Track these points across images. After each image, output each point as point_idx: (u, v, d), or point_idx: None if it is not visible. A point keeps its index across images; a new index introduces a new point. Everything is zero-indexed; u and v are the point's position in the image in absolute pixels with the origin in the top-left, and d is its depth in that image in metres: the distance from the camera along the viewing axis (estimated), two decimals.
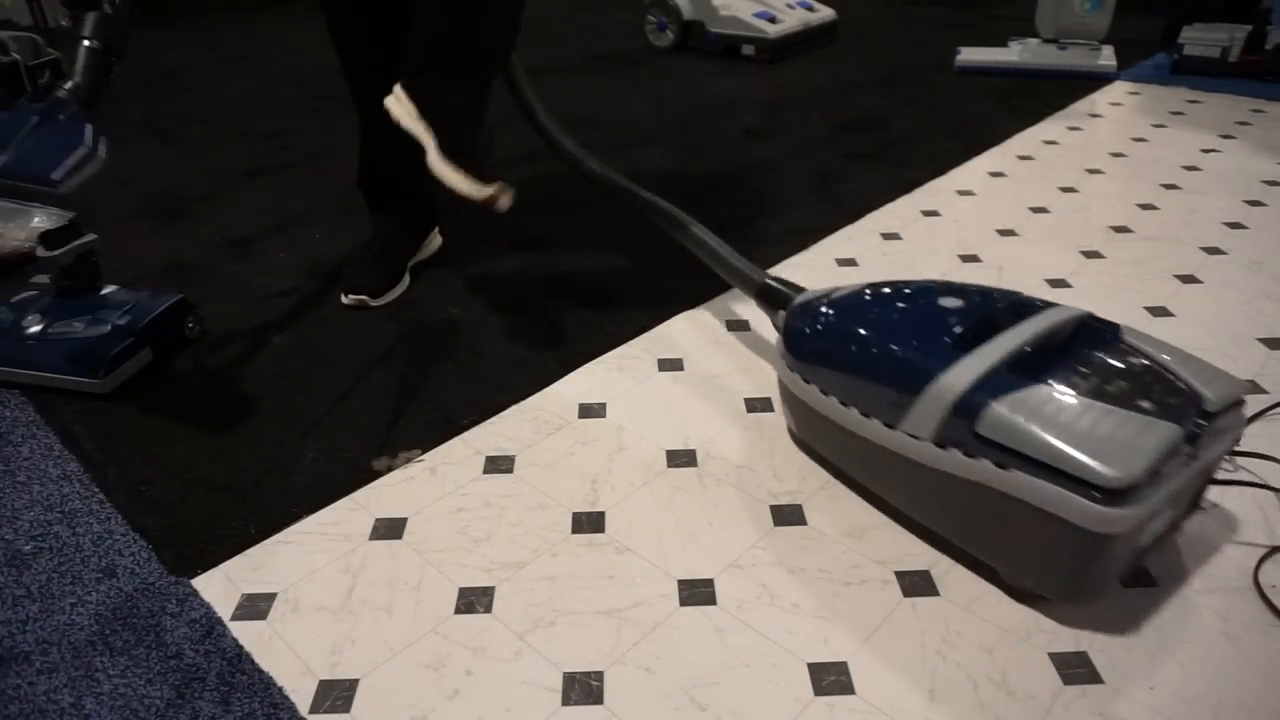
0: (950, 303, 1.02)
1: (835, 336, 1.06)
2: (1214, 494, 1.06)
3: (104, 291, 1.48)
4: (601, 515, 1.09)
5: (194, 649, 0.93)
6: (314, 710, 0.86)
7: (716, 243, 1.38)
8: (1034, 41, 2.81)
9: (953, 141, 2.26)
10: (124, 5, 1.35)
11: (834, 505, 1.09)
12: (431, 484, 1.16)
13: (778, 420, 1.25)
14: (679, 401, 1.30)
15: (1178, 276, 1.57)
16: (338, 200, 2.08)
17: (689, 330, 1.48)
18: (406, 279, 1.66)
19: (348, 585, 1.00)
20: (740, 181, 2.08)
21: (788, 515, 1.07)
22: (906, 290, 1.09)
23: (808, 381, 1.08)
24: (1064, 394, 0.87)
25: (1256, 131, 2.25)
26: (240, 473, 1.19)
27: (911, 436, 0.95)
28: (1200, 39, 2.65)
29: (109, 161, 1.34)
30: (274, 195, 2.13)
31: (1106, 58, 2.71)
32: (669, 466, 1.17)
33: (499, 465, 1.18)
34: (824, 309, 1.10)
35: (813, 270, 1.66)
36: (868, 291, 1.11)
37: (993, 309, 1.01)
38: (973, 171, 2.08)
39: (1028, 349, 0.93)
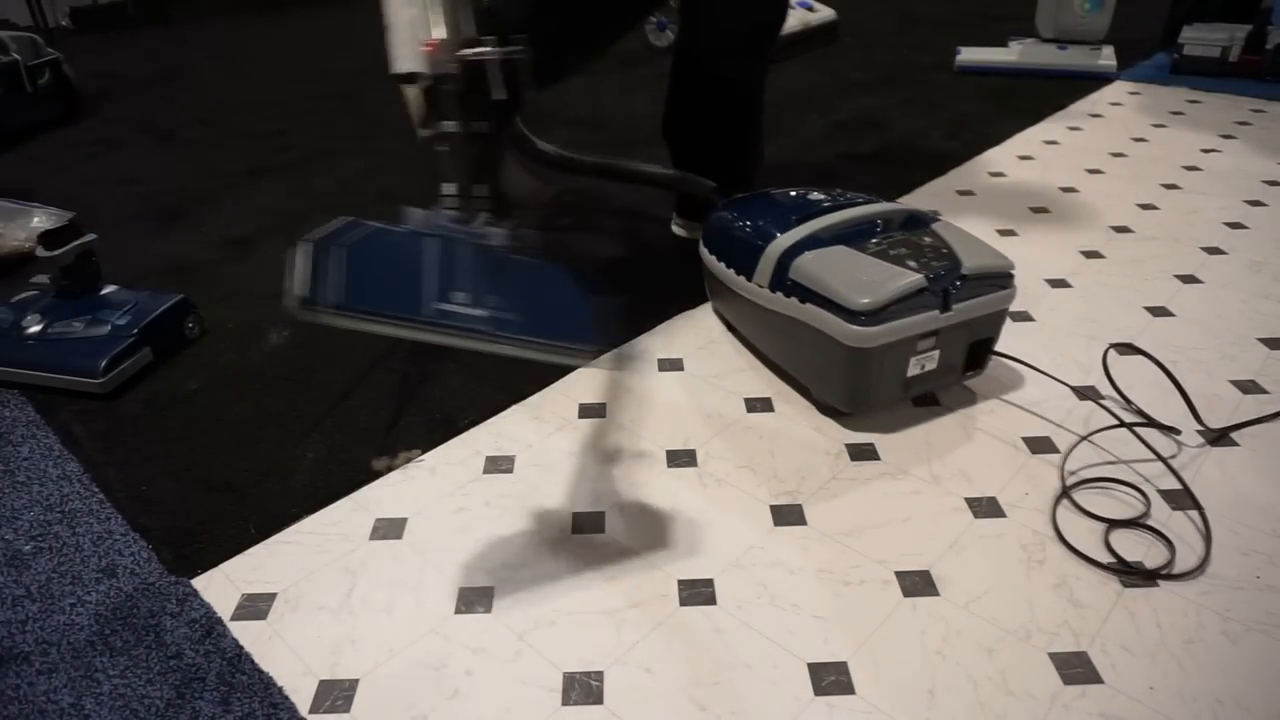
0: (814, 195, 1.36)
1: (734, 219, 1.39)
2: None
3: (104, 291, 1.48)
4: (602, 515, 1.09)
5: (194, 649, 0.93)
6: (314, 710, 0.86)
7: (664, 168, 1.65)
8: (1034, 41, 2.81)
9: (953, 141, 2.26)
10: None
11: (834, 505, 1.09)
12: (431, 484, 1.16)
13: (778, 420, 1.25)
14: (679, 401, 1.30)
15: (1178, 276, 1.57)
16: (338, 200, 2.08)
17: (689, 330, 1.48)
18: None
19: (348, 585, 1.00)
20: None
21: (788, 515, 1.07)
22: (792, 191, 1.42)
23: (711, 253, 1.41)
24: (853, 253, 1.18)
25: (1256, 131, 2.25)
26: (240, 473, 1.19)
27: (759, 285, 1.26)
28: (1200, 39, 2.65)
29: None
30: (274, 195, 2.13)
31: (1106, 58, 2.71)
32: (669, 466, 1.17)
33: (499, 465, 1.18)
34: (729, 206, 1.44)
35: None
36: (762, 193, 1.45)
37: (841, 201, 1.32)
38: (973, 171, 2.08)
39: (845, 226, 1.25)
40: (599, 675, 0.88)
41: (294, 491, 1.15)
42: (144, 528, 1.10)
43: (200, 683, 0.89)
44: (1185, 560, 0.98)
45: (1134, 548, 1.00)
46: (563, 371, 1.38)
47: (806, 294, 1.17)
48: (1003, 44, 2.91)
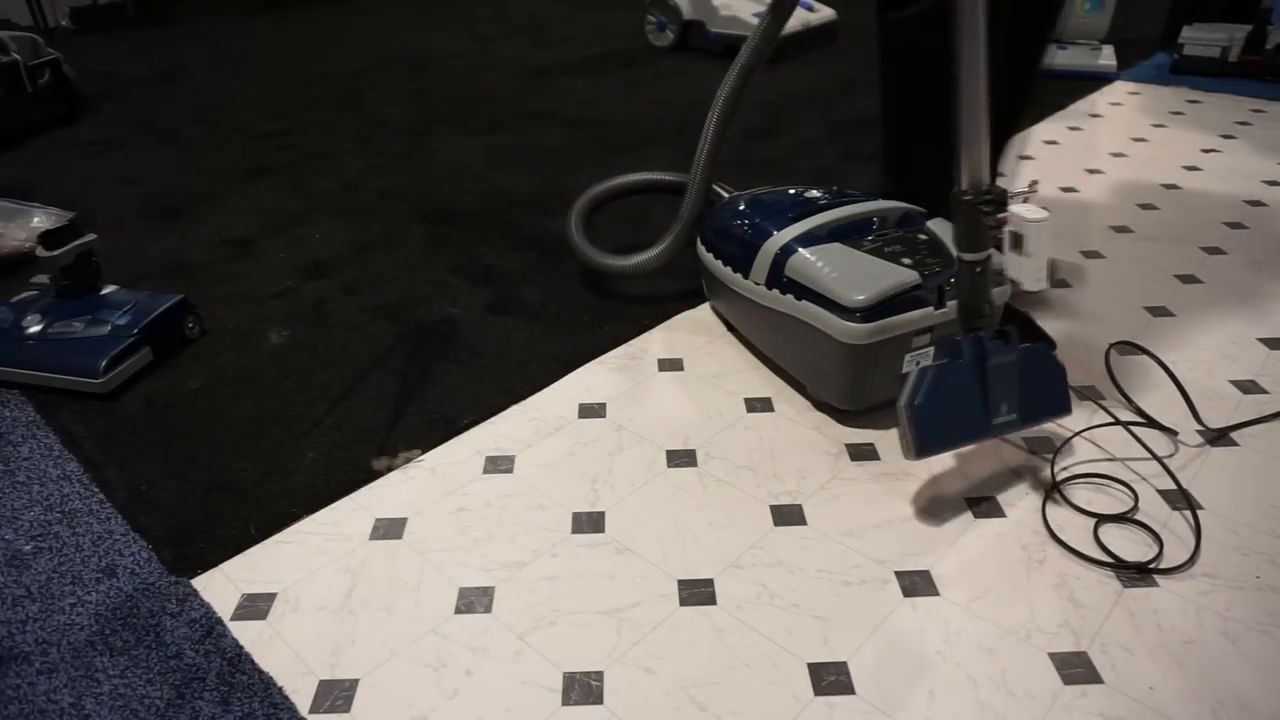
0: (810, 193, 1.38)
1: (730, 219, 1.39)
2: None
3: (104, 291, 1.48)
4: (601, 515, 1.09)
5: (194, 649, 0.93)
6: (314, 710, 0.86)
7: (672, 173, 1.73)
8: None
9: None
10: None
11: (834, 505, 1.09)
12: (431, 484, 1.16)
13: (778, 420, 1.25)
14: (679, 401, 1.30)
15: (1178, 276, 1.57)
16: (338, 200, 2.08)
17: (689, 330, 1.48)
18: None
19: (348, 585, 1.00)
20: (740, 182, 2.08)
21: (788, 515, 1.07)
22: (784, 189, 1.44)
23: (708, 251, 1.42)
24: (849, 250, 1.19)
25: (1256, 131, 2.25)
26: (240, 473, 1.19)
27: (755, 283, 1.27)
28: (1200, 39, 2.65)
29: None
30: (274, 195, 2.13)
31: (1106, 58, 2.71)
32: (669, 466, 1.17)
33: (499, 465, 1.18)
34: (726, 204, 1.46)
35: None
36: (758, 191, 1.47)
37: (837, 199, 1.33)
38: None
39: (840, 224, 1.26)
40: (599, 675, 0.88)
41: (294, 491, 1.15)
42: (144, 528, 1.10)
43: (200, 683, 0.89)
44: (1175, 555, 0.98)
45: (1123, 544, 1.00)
46: (563, 371, 1.38)
47: (802, 291, 1.18)
48: None
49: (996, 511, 1.06)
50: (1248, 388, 1.26)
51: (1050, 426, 1.19)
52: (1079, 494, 1.08)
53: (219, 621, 0.96)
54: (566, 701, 0.86)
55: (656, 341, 1.46)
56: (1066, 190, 1.95)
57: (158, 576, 1.02)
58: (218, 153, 2.44)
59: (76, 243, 1.42)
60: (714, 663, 0.89)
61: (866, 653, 0.89)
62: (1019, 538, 1.02)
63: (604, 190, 1.66)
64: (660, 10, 3.24)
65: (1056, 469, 1.12)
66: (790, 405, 1.28)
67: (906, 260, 1.16)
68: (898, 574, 0.98)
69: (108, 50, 3.70)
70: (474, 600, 0.98)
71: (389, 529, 1.08)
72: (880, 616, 0.93)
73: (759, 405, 1.28)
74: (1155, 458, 1.12)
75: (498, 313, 1.56)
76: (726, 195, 1.57)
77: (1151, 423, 1.18)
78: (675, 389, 1.33)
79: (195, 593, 1.00)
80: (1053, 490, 1.08)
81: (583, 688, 0.87)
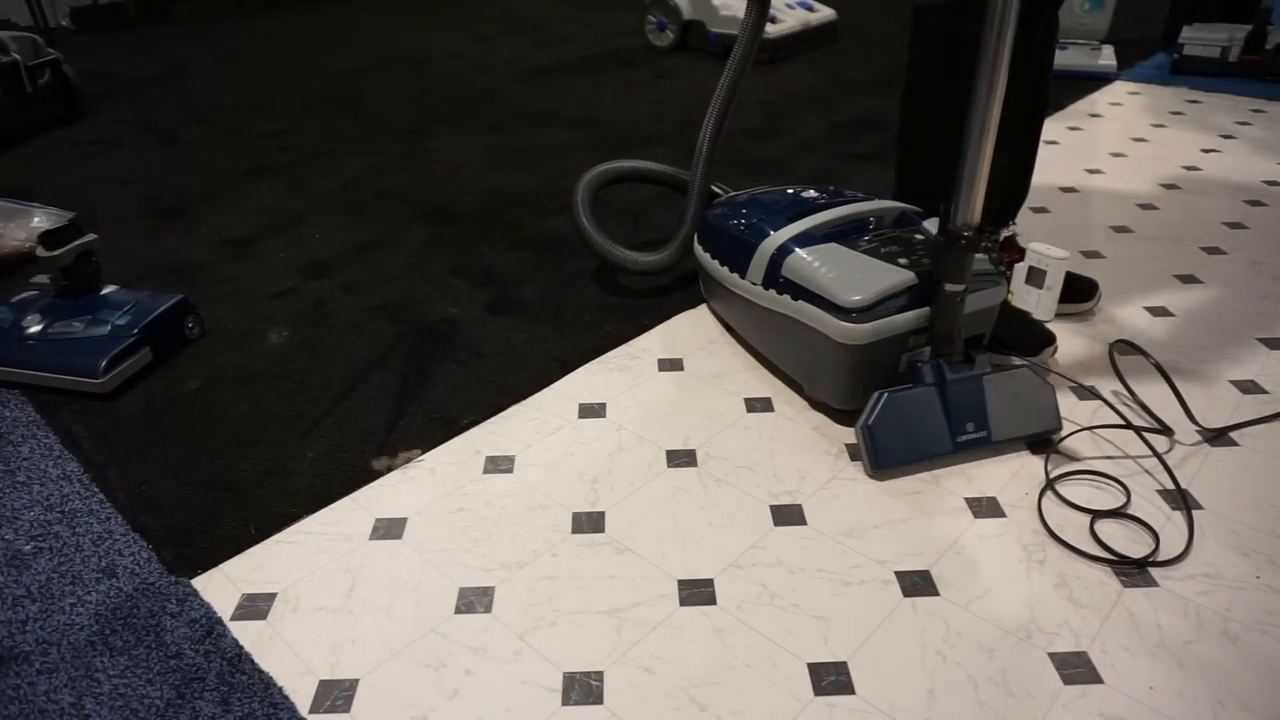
0: (807, 193, 1.38)
1: (727, 218, 1.40)
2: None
3: (104, 291, 1.48)
4: (601, 515, 1.09)
5: (194, 649, 0.93)
6: (314, 710, 0.86)
7: (673, 169, 1.69)
8: None
9: None
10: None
11: (834, 505, 1.09)
12: (431, 484, 1.16)
13: (777, 420, 1.25)
14: (679, 401, 1.30)
15: (1178, 276, 1.57)
16: (338, 200, 2.08)
17: (689, 330, 1.48)
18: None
19: (348, 585, 1.00)
20: (740, 182, 2.08)
21: (788, 515, 1.07)
22: (783, 189, 1.44)
23: (706, 252, 1.42)
24: (845, 251, 1.19)
25: (1256, 131, 2.25)
26: (240, 473, 1.19)
27: (752, 283, 1.28)
28: (1200, 39, 2.65)
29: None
30: (274, 195, 2.13)
31: (1106, 58, 2.71)
32: (669, 466, 1.17)
33: (499, 465, 1.18)
34: (724, 203, 1.46)
35: None
36: (756, 191, 1.47)
37: (834, 199, 1.33)
38: None
39: (836, 224, 1.25)
40: (599, 675, 0.88)
41: (294, 491, 1.15)
42: (144, 528, 1.10)
43: (200, 683, 0.89)
44: (1171, 549, 0.98)
45: (1120, 540, 1.00)
46: (563, 371, 1.38)
47: (799, 291, 1.18)
48: None
49: (996, 511, 1.06)
50: (1248, 388, 1.26)
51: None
52: (1078, 491, 1.08)
53: (219, 621, 0.96)
54: (566, 701, 0.86)
55: (656, 341, 1.46)
56: (1066, 190, 1.95)
57: (158, 576, 1.02)
58: (218, 153, 2.44)
59: (76, 243, 1.42)
60: (714, 663, 0.89)
61: (866, 653, 0.89)
62: (1019, 538, 1.02)
63: (605, 172, 1.63)
64: (660, 10, 3.24)
65: (1052, 467, 1.12)
66: (790, 405, 1.28)
67: (903, 260, 1.16)
68: (898, 574, 0.98)
69: (108, 50, 3.70)
70: (474, 600, 0.98)
71: (389, 529, 1.08)
72: (880, 616, 0.93)
73: (759, 405, 1.28)
74: (1156, 454, 1.12)
75: (498, 313, 1.56)
76: (724, 195, 1.57)
77: (1148, 423, 1.18)
78: (675, 389, 1.33)
79: (195, 593, 1.00)
80: (1047, 488, 1.08)
81: (583, 688, 0.87)
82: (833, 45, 3.32)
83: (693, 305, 1.55)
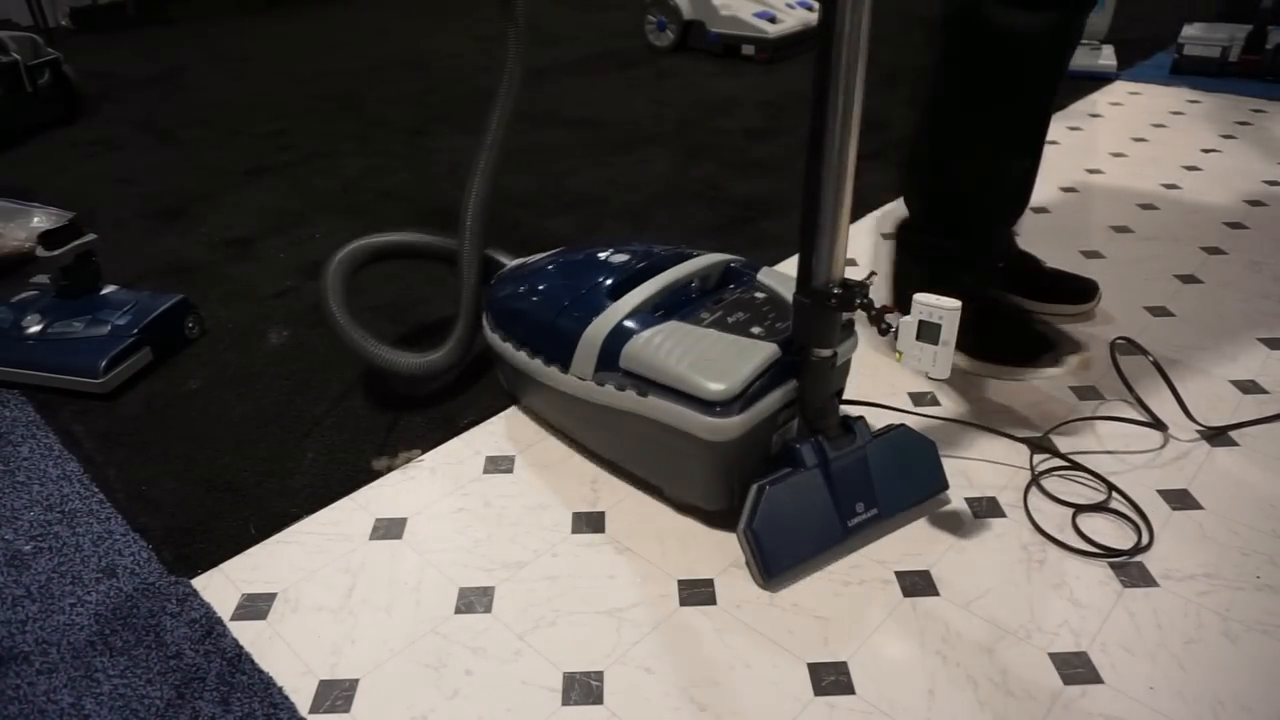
0: (613, 258, 1.17)
1: (526, 295, 1.19)
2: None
3: (104, 291, 1.48)
4: (601, 515, 1.09)
5: (194, 649, 0.93)
6: (314, 710, 0.86)
7: (434, 237, 1.44)
8: None
9: None
10: None
11: None
12: (431, 484, 1.16)
13: None
14: None
15: (1178, 276, 1.57)
16: (338, 200, 2.08)
17: None
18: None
19: (348, 585, 1.00)
20: (740, 181, 2.08)
21: None
22: (580, 250, 1.24)
23: (505, 340, 1.20)
24: (690, 329, 1.02)
25: (1256, 131, 2.25)
26: (240, 473, 1.19)
27: (579, 378, 1.08)
28: (1200, 39, 2.65)
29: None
30: (274, 195, 2.13)
31: (1106, 58, 2.71)
32: None
33: (499, 465, 1.18)
34: (516, 276, 1.25)
35: None
36: (552, 256, 1.27)
37: (647, 261, 1.15)
38: None
39: (667, 293, 1.08)
40: (599, 675, 0.88)
41: (294, 491, 1.15)
42: (144, 528, 1.10)
43: (200, 683, 0.89)
44: (1151, 540, 0.99)
45: (1108, 535, 1.00)
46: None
47: (646, 385, 1.00)
48: None
49: (996, 511, 1.06)
50: (1248, 388, 1.26)
51: (1046, 425, 1.19)
52: (1066, 487, 1.08)
53: (219, 621, 0.96)
54: (566, 701, 0.86)
55: None
56: (1066, 190, 1.95)
57: (158, 576, 1.02)
58: (218, 153, 2.44)
59: (76, 243, 1.42)
60: (714, 663, 0.89)
61: (866, 653, 0.89)
62: (1019, 538, 1.02)
63: (359, 252, 1.33)
64: (660, 10, 3.24)
65: (1039, 462, 1.12)
66: None
67: (756, 329, 1.01)
68: (898, 574, 0.98)
69: (108, 50, 3.70)
70: (474, 600, 0.98)
71: (389, 529, 1.08)
72: (880, 616, 0.93)
73: None
74: (1146, 452, 1.12)
75: None
76: (508, 264, 1.36)
77: (1144, 420, 1.18)
78: None
79: (195, 593, 1.00)
80: (1032, 484, 1.08)
81: (583, 688, 0.87)
82: None
83: None
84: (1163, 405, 1.21)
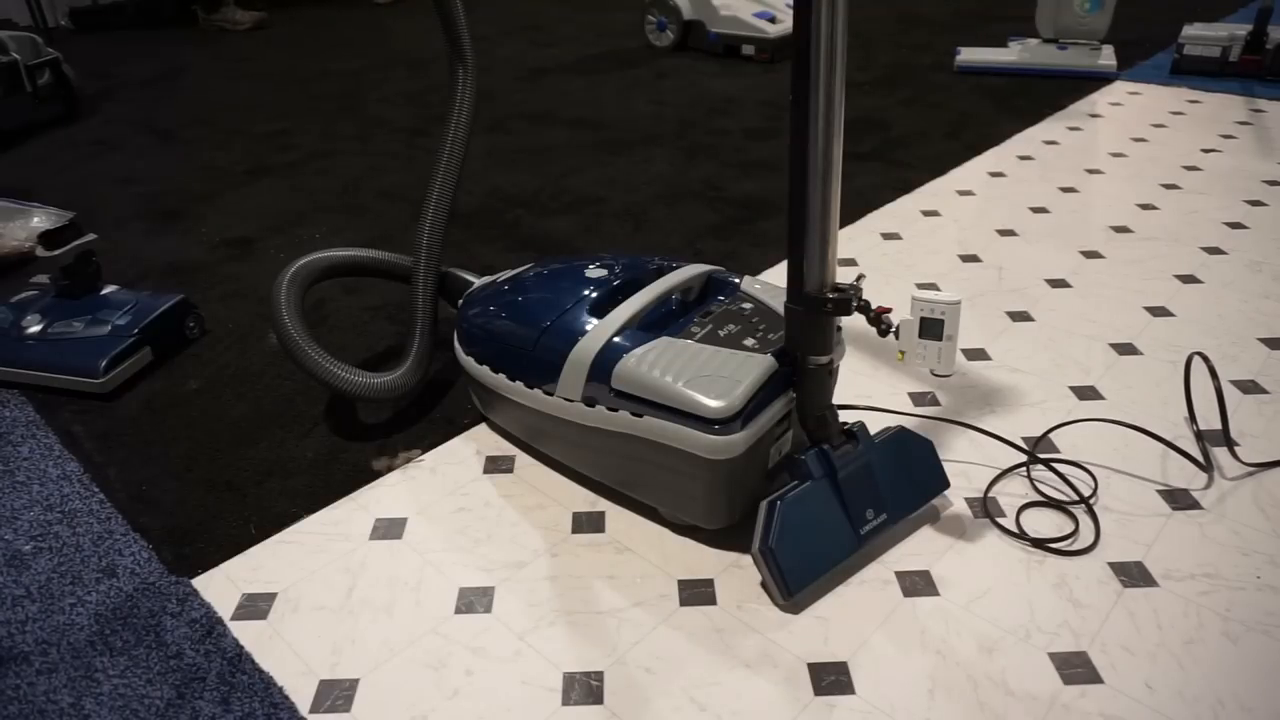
0: (591, 273, 1.14)
1: (499, 314, 1.15)
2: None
3: (104, 291, 1.48)
4: (601, 515, 1.09)
5: (194, 649, 0.93)
6: (314, 710, 0.86)
7: (392, 255, 1.42)
8: (1034, 41, 2.81)
9: (953, 141, 2.26)
10: None
11: None
12: (431, 484, 1.16)
13: None
14: None
15: (1178, 276, 1.57)
16: (338, 200, 2.08)
17: None
18: None
19: (348, 585, 1.00)
20: (740, 181, 2.08)
21: None
22: (554, 266, 1.21)
23: (480, 362, 1.16)
24: (683, 345, 0.99)
25: (1256, 131, 2.25)
26: (240, 473, 1.19)
27: (566, 400, 1.04)
28: (1200, 39, 2.65)
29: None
30: (274, 195, 2.13)
31: (1106, 58, 2.71)
32: None
33: (499, 465, 1.18)
34: (488, 295, 1.21)
35: None
36: (526, 272, 1.23)
37: (627, 276, 1.12)
38: (973, 171, 2.08)
39: (652, 308, 1.05)
40: (599, 675, 0.88)
41: (294, 491, 1.15)
42: (144, 528, 1.10)
43: (200, 683, 0.89)
44: (1088, 537, 0.99)
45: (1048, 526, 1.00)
46: None
47: (641, 405, 0.97)
48: (1003, 44, 2.91)
49: (996, 511, 1.06)
50: (1248, 388, 1.26)
51: (1040, 425, 1.19)
52: (1063, 488, 1.08)
53: (219, 621, 0.96)
54: (566, 701, 0.86)
55: None
56: (1066, 190, 1.95)
57: (158, 576, 1.02)
58: (218, 153, 2.44)
59: (76, 243, 1.42)
60: (714, 663, 0.89)
61: (866, 653, 0.89)
62: (1019, 537, 1.02)
63: (312, 267, 1.30)
64: (660, 10, 3.24)
65: (1034, 468, 1.12)
66: None
67: (749, 341, 1.00)
68: (898, 574, 0.98)
69: (108, 50, 3.70)
70: (474, 600, 0.98)
71: (389, 529, 1.08)
72: (880, 617, 0.93)
73: None
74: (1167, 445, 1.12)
75: None
76: (475, 282, 1.33)
77: (1145, 430, 1.19)
78: None
79: (195, 593, 1.00)
80: (996, 482, 1.08)
81: (583, 688, 0.87)
82: None
83: None
84: (1164, 406, 1.21)
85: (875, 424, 1.06)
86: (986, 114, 2.46)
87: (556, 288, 1.13)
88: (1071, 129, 2.32)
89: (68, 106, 2.73)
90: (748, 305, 1.08)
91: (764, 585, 0.97)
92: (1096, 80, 2.69)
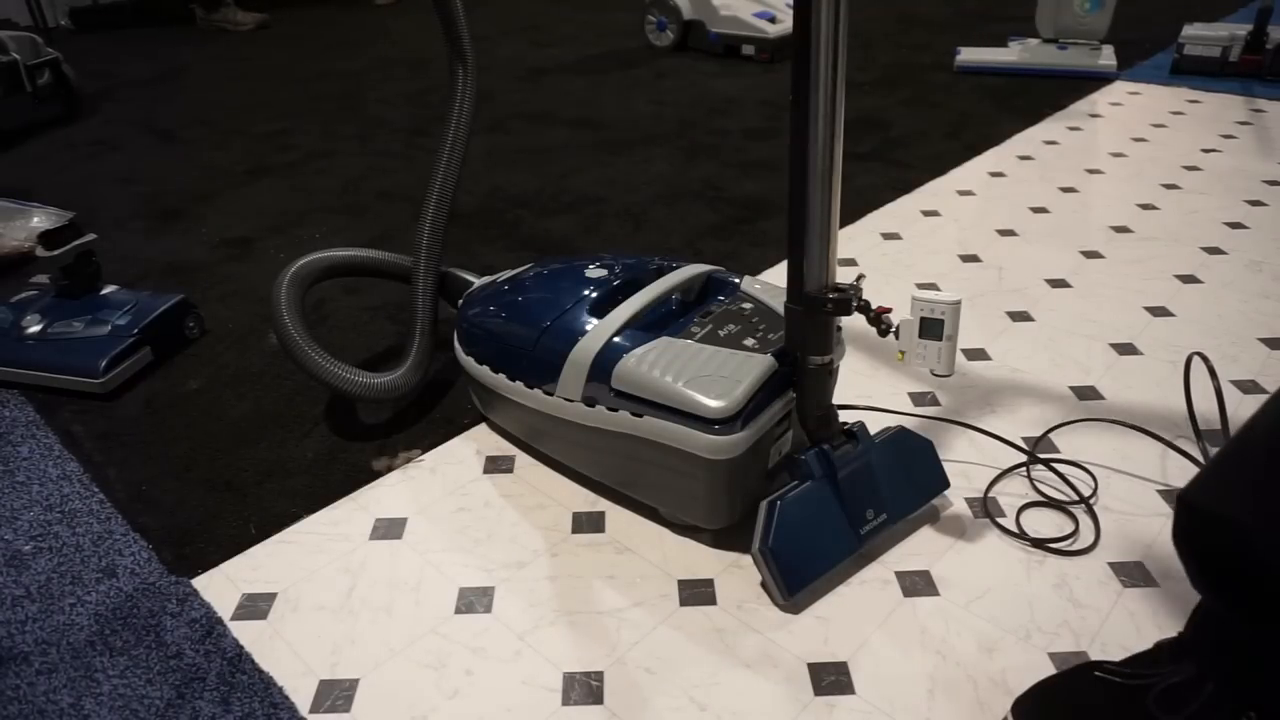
0: (591, 273, 1.14)
1: (499, 314, 1.16)
2: None
3: (104, 291, 1.48)
4: (601, 515, 1.09)
5: (194, 649, 0.93)
6: (314, 710, 0.86)
7: (392, 256, 1.42)
8: (1034, 41, 2.81)
9: (953, 141, 2.26)
10: None
11: None
12: (431, 484, 1.16)
13: None
14: None
15: (1178, 276, 1.57)
16: (338, 200, 2.08)
17: None
18: None
19: (348, 585, 1.00)
20: (740, 181, 2.08)
21: None
22: (554, 266, 1.21)
23: (480, 362, 1.16)
24: (683, 345, 0.99)
25: (1256, 131, 2.25)
26: (240, 473, 1.19)
27: (566, 399, 1.04)
28: (1200, 39, 2.65)
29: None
30: (274, 195, 2.13)
31: (1106, 58, 2.71)
32: None
33: (499, 465, 1.18)
34: (487, 295, 1.21)
35: None
36: (526, 272, 1.23)
37: (627, 276, 1.12)
38: (973, 171, 2.08)
39: (652, 308, 1.06)
40: (599, 675, 0.88)
41: (294, 491, 1.15)
42: (144, 528, 1.10)
43: (200, 683, 0.89)
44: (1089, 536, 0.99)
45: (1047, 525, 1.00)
46: None
47: (641, 405, 0.97)
48: (1003, 44, 2.91)
49: (996, 511, 1.06)
50: (1248, 388, 1.26)
51: (1040, 425, 1.19)
52: (1062, 488, 1.08)
53: (219, 621, 0.96)
54: (566, 701, 0.86)
55: None
56: (1066, 190, 1.95)
57: (158, 576, 1.02)
58: (218, 153, 2.44)
59: (76, 243, 1.42)
60: (714, 663, 0.89)
61: (866, 653, 0.89)
62: (1019, 537, 1.02)
63: (312, 267, 1.31)
64: (660, 10, 3.24)
65: (1033, 468, 1.12)
66: None
67: (749, 341, 1.00)
68: (898, 574, 0.98)
69: (108, 50, 3.70)
70: (474, 600, 0.98)
71: (389, 529, 1.08)
72: (880, 616, 0.93)
73: None
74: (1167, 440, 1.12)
75: None
76: (475, 282, 1.33)
77: (1145, 430, 1.19)
78: None
79: (195, 593, 1.00)
80: (996, 482, 1.08)
81: (583, 688, 0.87)
82: None
83: None
84: (1164, 406, 1.21)
85: (875, 424, 1.06)
86: (986, 114, 2.46)
87: (556, 288, 1.13)
88: (1071, 129, 2.32)
89: (67, 106, 2.73)
90: (748, 305, 1.08)
91: (764, 585, 0.97)
92: (1096, 80, 2.69)
